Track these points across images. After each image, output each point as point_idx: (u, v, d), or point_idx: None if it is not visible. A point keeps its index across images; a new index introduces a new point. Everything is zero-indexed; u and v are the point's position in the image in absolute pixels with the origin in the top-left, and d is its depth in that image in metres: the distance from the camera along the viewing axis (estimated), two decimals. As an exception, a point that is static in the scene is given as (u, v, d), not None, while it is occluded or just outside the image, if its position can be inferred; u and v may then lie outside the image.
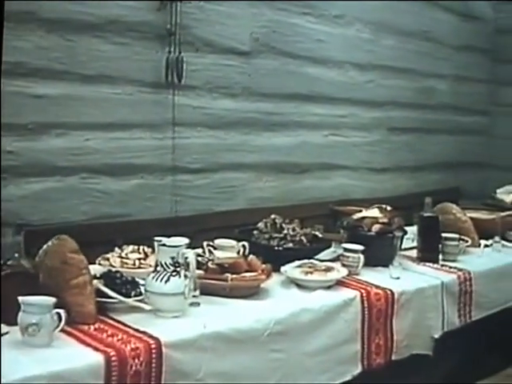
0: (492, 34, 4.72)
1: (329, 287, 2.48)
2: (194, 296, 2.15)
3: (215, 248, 2.47)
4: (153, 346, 1.86)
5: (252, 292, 2.34)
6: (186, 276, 2.07)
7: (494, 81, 4.77)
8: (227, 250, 2.51)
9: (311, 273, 2.50)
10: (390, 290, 2.53)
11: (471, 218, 3.32)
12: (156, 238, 2.13)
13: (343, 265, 2.66)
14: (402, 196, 3.97)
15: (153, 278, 2.07)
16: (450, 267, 2.90)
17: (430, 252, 2.95)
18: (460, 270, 2.88)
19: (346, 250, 2.68)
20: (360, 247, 2.66)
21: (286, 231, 2.69)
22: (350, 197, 3.68)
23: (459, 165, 4.56)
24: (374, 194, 3.77)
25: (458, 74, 4.45)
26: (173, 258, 2.07)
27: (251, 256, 2.44)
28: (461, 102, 4.50)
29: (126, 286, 2.11)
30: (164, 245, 2.08)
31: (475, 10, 4.55)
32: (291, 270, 2.51)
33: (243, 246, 2.54)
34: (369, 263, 2.69)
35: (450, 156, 4.47)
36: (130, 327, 1.96)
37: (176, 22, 2.88)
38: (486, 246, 3.27)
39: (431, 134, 4.31)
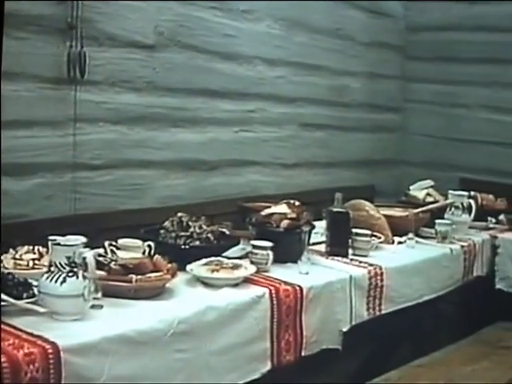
0: (403, 32, 4.85)
1: (236, 285, 2.48)
2: (95, 298, 2.11)
3: (118, 248, 2.43)
4: (49, 350, 1.80)
5: (157, 292, 2.31)
6: (84, 277, 2.03)
7: (406, 77, 4.90)
8: (132, 250, 2.48)
9: (218, 270, 2.49)
10: (299, 286, 2.56)
11: (385, 215, 3.40)
12: (50, 238, 2.06)
13: (252, 262, 2.66)
14: (314, 191, 4.01)
15: (46, 278, 2.00)
16: (361, 262, 2.96)
17: (339, 246, 2.99)
18: (371, 264, 2.94)
19: (254, 246, 2.68)
20: (268, 244, 2.67)
21: (192, 229, 2.67)
22: (261, 193, 3.70)
23: (374, 162, 4.66)
24: (285, 189, 3.81)
25: (371, 71, 4.56)
26: (68, 258, 2.00)
27: (156, 256, 2.41)
28: (374, 99, 4.61)
29: (17, 287, 2.04)
30: (58, 244, 2.02)
31: (385, 7, 4.67)
32: (197, 268, 2.50)
33: (148, 245, 2.51)
34: (278, 259, 2.71)
35: (364, 153, 4.57)
36: (22, 331, 1.89)
37: (77, 15, 2.83)
38: (400, 242, 3.35)
39: (345, 130, 4.39)
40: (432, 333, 3.54)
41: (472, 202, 3.71)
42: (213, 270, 2.48)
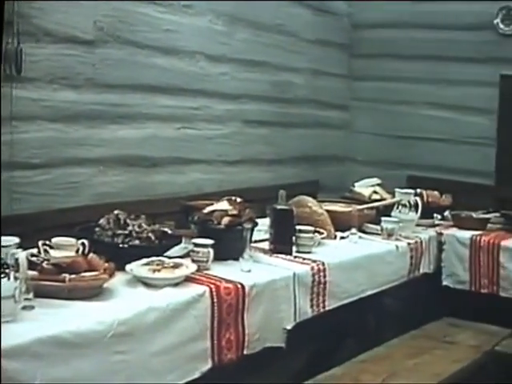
0: (347, 29, 4.91)
1: (177, 284, 2.46)
2: (26, 299, 2.06)
3: (52, 247, 2.38)
4: (-21, 353, 1.76)
5: (94, 292, 2.27)
6: (16, 278, 1.98)
7: (352, 75, 4.96)
8: (66, 248, 2.41)
9: (159, 270, 2.46)
10: (241, 284, 2.55)
11: (328, 211, 3.42)
12: (-17, 240, 2.02)
13: (193, 260, 2.64)
14: (259, 189, 4.03)
15: (-23, 280, 1.96)
16: (304, 259, 2.97)
17: (282, 244, 3.00)
18: (314, 261, 2.95)
19: (195, 245, 2.66)
20: (209, 241, 2.66)
21: (130, 227, 2.64)
22: (205, 191, 3.69)
23: (319, 158, 4.70)
24: (229, 187, 3.80)
25: (315, 69, 4.59)
26: (0, 260, 1.97)
27: (91, 255, 2.37)
28: (319, 97, 4.65)
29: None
30: (-10, 245, 1.98)
31: (330, 5, 4.71)
32: (137, 268, 2.47)
33: (82, 244, 2.45)
34: (219, 257, 2.70)
35: (309, 150, 4.60)
36: (-49, 334, 1.84)
37: (14, 10, 2.78)
38: (343, 237, 3.38)
39: (289, 127, 4.41)
40: (378, 328, 3.58)
41: (419, 199, 3.77)
42: (154, 270, 2.46)
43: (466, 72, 4.56)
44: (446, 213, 4.10)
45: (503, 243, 3.64)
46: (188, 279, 2.51)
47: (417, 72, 4.70)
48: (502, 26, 4.45)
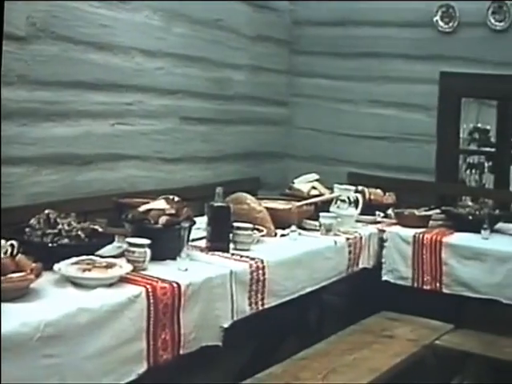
0: (288, 26, 4.91)
1: (111, 285, 2.41)
2: None
3: (-20, 250, 2.31)
4: None
5: (20, 294, 2.21)
6: None
7: (292, 72, 4.96)
8: (-6, 251, 2.36)
9: (90, 270, 2.41)
10: (177, 283, 2.52)
11: (267, 208, 3.41)
12: None
13: (128, 260, 2.59)
14: (198, 187, 4.00)
15: None
16: (242, 256, 2.96)
17: (219, 242, 2.98)
18: (252, 258, 2.94)
19: (130, 244, 2.61)
20: (146, 241, 2.61)
21: (60, 226, 2.58)
22: (140, 188, 3.63)
23: (260, 155, 4.70)
24: (165, 184, 3.77)
25: (255, 65, 4.58)
26: None
27: (19, 255, 2.30)
28: (259, 93, 4.64)
29: None
30: None
31: (271, 1, 4.70)
32: (66, 267, 2.41)
33: (11, 245, 2.39)
34: (157, 257, 2.67)
35: (249, 147, 4.59)
36: None
37: None
38: (283, 235, 3.38)
39: (229, 124, 4.39)
40: (318, 324, 3.61)
41: (359, 196, 3.81)
42: (84, 270, 2.40)
43: (405, 69, 4.61)
44: (389, 211, 4.14)
45: (445, 240, 3.71)
46: (123, 280, 2.47)
47: (357, 69, 4.73)
48: (441, 23, 4.52)
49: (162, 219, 2.78)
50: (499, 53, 4.35)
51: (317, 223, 3.55)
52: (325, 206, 3.72)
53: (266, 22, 4.67)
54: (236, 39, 4.37)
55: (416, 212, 4.01)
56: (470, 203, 4.20)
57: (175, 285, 2.52)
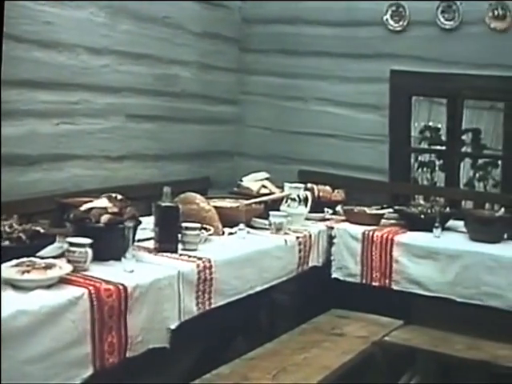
0: (238, 23, 4.92)
1: (50, 286, 2.36)
2: None
3: None
4: None
5: (-42, 298, 2.16)
6: None
7: (242, 70, 4.96)
8: None
9: (29, 272, 2.35)
10: (123, 285, 2.48)
11: (215, 207, 3.39)
12: None
13: (69, 261, 2.54)
14: (145, 185, 3.97)
15: None
16: (190, 256, 2.93)
17: (167, 242, 2.95)
18: (200, 258, 2.92)
19: (71, 244, 2.56)
20: (87, 240, 2.57)
21: (1, 228, 2.53)
22: (85, 188, 3.59)
23: (210, 154, 4.69)
24: (110, 183, 3.74)
25: (203, 62, 4.57)
26: None
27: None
28: (208, 91, 4.63)
29: None
30: None
31: (219, -1, 4.72)
32: (5, 269, 2.34)
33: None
34: (100, 257, 2.62)
35: (199, 145, 4.58)
36: None
37: None
38: (231, 233, 3.37)
39: (177, 122, 4.37)
40: (268, 324, 3.61)
41: (308, 193, 3.81)
42: (23, 272, 2.34)
43: (356, 68, 4.66)
44: (338, 207, 4.17)
45: (396, 238, 3.74)
46: (64, 281, 2.42)
47: (308, 68, 4.75)
48: (391, 22, 4.57)
49: (104, 218, 2.73)
50: (448, 51, 4.42)
51: (267, 222, 3.55)
52: (275, 204, 3.71)
53: (215, 19, 4.66)
54: (183, 36, 4.35)
55: (367, 210, 4.04)
56: (422, 202, 4.25)
57: (121, 287, 2.48)
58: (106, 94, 3.82)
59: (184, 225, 3.04)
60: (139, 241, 2.95)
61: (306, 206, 3.75)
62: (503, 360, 3.23)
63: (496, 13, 4.33)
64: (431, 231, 3.74)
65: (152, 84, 4.15)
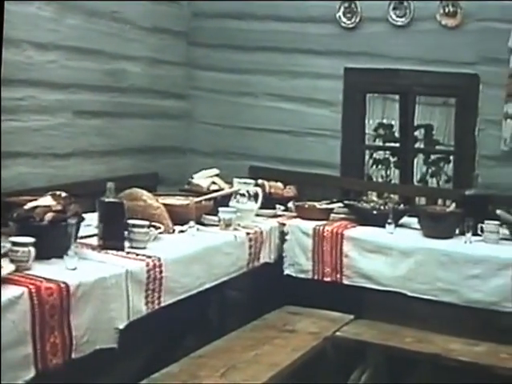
0: (187, 18, 4.86)
1: (-8, 286, 2.30)
2: None
3: None
4: None
5: None
6: None
7: (192, 64, 4.91)
8: None
9: (-30, 272, 2.30)
10: (65, 283, 2.42)
11: (165, 204, 3.35)
12: None
13: (12, 260, 2.47)
14: (91, 182, 3.90)
15: None
16: (138, 254, 2.89)
17: (113, 239, 2.90)
18: (149, 256, 2.88)
19: (13, 243, 2.50)
20: (29, 239, 2.50)
21: None
22: (30, 186, 3.51)
23: (158, 150, 4.63)
24: (57, 180, 3.66)
25: (152, 57, 4.52)
26: None
27: None
28: (157, 86, 4.58)
29: None
30: None
31: (168, -7, 4.67)
32: None
33: None
34: (42, 256, 2.56)
35: (147, 141, 4.52)
36: None
37: None
38: (181, 231, 3.32)
39: (125, 118, 4.31)
40: (220, 321, 3.59)
41: (259, 189, 3.80)
42: (-34, 272, 2.29)
43: (309, 64, 4.65)
44: (290, 204, 4.16)
45: (346, 233, 3.74)
46: (6, 281, 2.34)
47: (260, 63, 4.73)
48: (344, 19, 4.57)
49: (48, 216, 2.67)
50: (400, 48, 4.45)
51: (216, 218, 3.52)
52: (225, 200, 3.68)
53: (164, 13, 4.60)
54: (132, 31, 4.29)
55: (317, 205, 4.04)
56: (374, 198, 4.27)
57: (63, 285, 2.42)
58: (53, 90, 3.74)
59: (131, 222, 2.99)
60: (82, 238, 2.90)
61: (257, 202, 3.73)
62: (454, 353, 3.26)
63: (447, 10, 4.37)
64: (383, 227, 3.74)
65: (100, 80, 4.09)
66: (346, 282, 3.70)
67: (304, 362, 3.10)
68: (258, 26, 4.73)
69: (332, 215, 4.01)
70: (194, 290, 3.11)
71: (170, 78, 4.71)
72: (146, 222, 3.04)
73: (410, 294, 3.56)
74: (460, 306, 3.47)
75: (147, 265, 2.82)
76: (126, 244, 2.95)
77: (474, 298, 3.44)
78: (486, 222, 3.62)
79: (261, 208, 3.81)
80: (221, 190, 3.84)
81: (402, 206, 4.08)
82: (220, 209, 3.54)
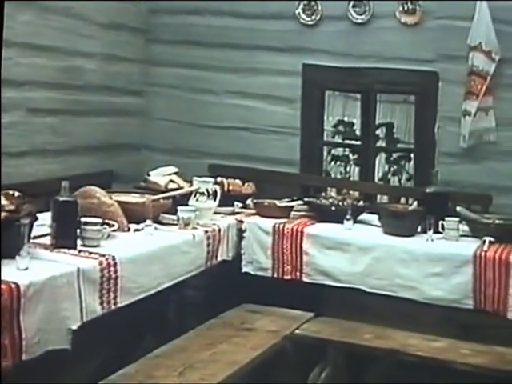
0: (144, 14, 4.82)
1: None
2: None
3: None
4: None
5: None
6: None
7: (149, 61, 4.87)
8: None
9: None
10: (15, 283, 2.37)
11: (120, 202, 3.31)
12: None
13: (-37, 262, 2.43)
14: (46, 181, 3.84)
15: None
16: (91, 253, 2.84)
17: (65, 238, 2.85)
18: (103, 255, 2.83)
19: (-37, 246, 2.46)
20: (-20, 241, 2.46)
21: None
22: (-18, 186, 3.45)
23: (114, 147, 4.59)
24: (11, 180, 3.51)
25: (108, 53, 4.48)
26: None
27: None
28: (113, 83, 4.54)
29: None
30: None
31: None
32: None
33: None
34: (-5, 256, 2.49)
35: (103, 138, 4.48)
36: None
37: None
38: (137, 229, 3.28)
39: (81, 115, 4.27)
40: (179, 320, 3.55)
41: (217, 188, 3.77)
42: None
43: (269, 61, 4.65)
44: (249, 201, 4.14)
45: (306, 230, 3.74)
46: (-46, 282, 2.30)
47: (219, 60, 4.72)
48: (303, 16, 4.58)
49: (1, 216, 2.60)
50: (361, 46, 4.48)
51: (174, 217, 3.48)
52: (184, 199, 3.64)
53: (120, 9, 4.56)
54: (86, 26, 4.25)
55: (277, 202, 4.02)
56: (333, 194, 4.28)
57: (13, 285, 2.37)
58: (7, 88, 3.63)
59: (83, 220, 2.94)
60: (35, 237, 2.85)
61: (215, 200, 3.71)
62: (413, 349, 3.27)
63: (406, 7, 4.41)
64: (342, 223, 3.74)
65: (55, 77, 4.04)
66: (305, 279, 3.70)
67: (263, 361, 3.08)
68: (217, 22, 4.71)
69: (293, 213, 3.99)
70: (151, 290, 3.07)
71: (127, 75, 4.67)
72: (99, 220, 3.00)
73: (368, 290, 3.58)
74: (420, 303, 3.48)
75: (100, 263, 2.79)
76: (79, 242, 2.90)
77: (434, 295, 3.46)
78: (447, 219, 3.64)
79: (219, 205, 3.78)
80: (180, 188, 3.79)
81: (361, 202, 4.08)
82: (179, 208, 3.50)
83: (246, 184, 4.23)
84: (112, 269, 2.83)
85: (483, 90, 4.15)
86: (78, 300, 2.66)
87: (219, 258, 3.65)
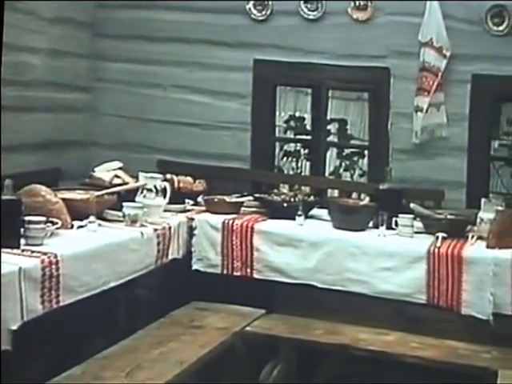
0: (91, 8, 4.72)
1: None
2: None
3: None
4: None
5: None
6: None
7: (96, 56, 4.78)
8: None
9: None
10: (-47, 285, 2.31)
11: (64, 199, 3.25)
12: None
13: None
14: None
15: None
16: (33, 251, 2.79)
17: (9, 238, 2.75)
18: (45, 253, 2.78)
19: None
20: None
21: None
22: None
23: (61, 144, 4.49)
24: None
25: (54, 48, 4.37)
26: None
27: None
28: (59, 78, 4.44)
29: None
30: None
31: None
32: None
33: None
34: None
35: (49, 135, 4.37)
36: None
37: None
38: (81, 226, 3.22)
39: (27, 112, 4.16)
40: (128, 320, 3.51)
41: (167, 184, 3.72)
42: None
43: (218, 56, 4.60)
44: (199, 198, 4.10)
45: (257, 226, 3.72)
46: None
47: (166, 54, 4.65)
48: (254, 11, 4.55)
49: None
50: (312, 42, 4.46)
51: (121, 214, 3.42)
52: (131, 195, 3.58)
53: (67, 3, 4.44)
54: (32, 21, 4.13)
55: (226, 198, 4.00)
56: (285, 190, 4.27)
57: (-49, 287, 2.31)
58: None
59: (27, 218, 2.88)
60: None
61: (165, 197, 3.65)
62: (363, 343, 3.29)
63: (358, 3, 4.41)
64: (294, 219, 3.74)
65: (0, 73, 3.92)
66: (256, 276, 3.68)
67: (212, 359, 3.06)
68: (166, 17, 4.64)
69: (243, 209, 3.97)
70: (97, 288, 3.01)
71: (74, 70, 4.58)
72: (43, 218, 2.94)
73: (319, 285, 3.58)
74: (371, 297, 3.49)
75: (42, 262, 2.73)
76: (23, 241, 2.83)
77: (385, 289, 3.47)
78: (401, 216, 3.65)
79: (170, 203, 3.73)
80: (125, 183, 3.73)
81: (312, 197, 4.08)
82: (125, 204, 3.44)
83: (197, 181, 4.18)
84: (54, 267, 2.78)
85: (435, 86, 4.18)
86: (18, 299, 2.60)
87: (170, 257, 3.61)
